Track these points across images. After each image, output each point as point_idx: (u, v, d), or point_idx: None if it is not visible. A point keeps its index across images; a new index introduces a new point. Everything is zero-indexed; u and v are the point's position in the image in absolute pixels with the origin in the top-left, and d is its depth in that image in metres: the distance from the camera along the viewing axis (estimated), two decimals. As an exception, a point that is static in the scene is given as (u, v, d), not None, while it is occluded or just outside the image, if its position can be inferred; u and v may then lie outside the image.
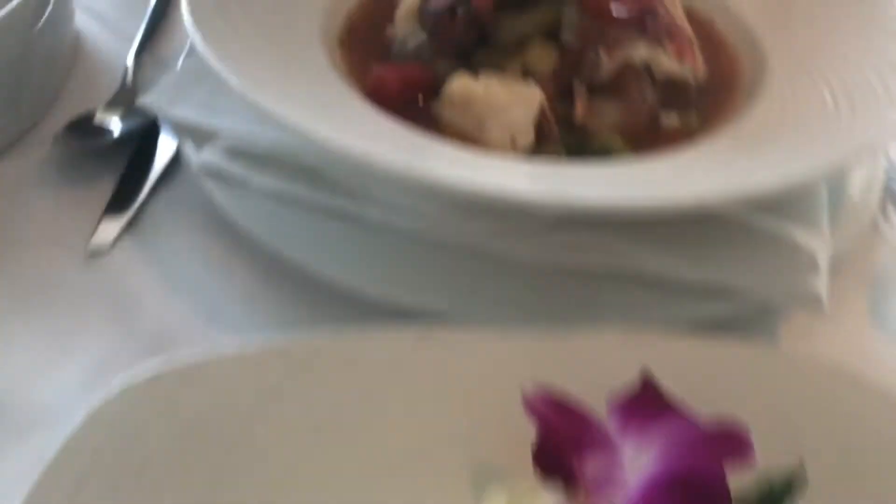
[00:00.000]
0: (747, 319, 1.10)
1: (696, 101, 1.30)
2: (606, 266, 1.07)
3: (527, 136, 1.18)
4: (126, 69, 1.51)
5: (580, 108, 1.21)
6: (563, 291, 1.10)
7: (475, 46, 1.27)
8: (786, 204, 1.07)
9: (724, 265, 1.06)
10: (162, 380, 0.71)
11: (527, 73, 1.23)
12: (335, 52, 1.34)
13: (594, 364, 0.76)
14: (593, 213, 0.98)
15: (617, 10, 1.20)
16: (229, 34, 1.18)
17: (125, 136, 1.34)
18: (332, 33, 1.37)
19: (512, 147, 1.18)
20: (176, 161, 1.32)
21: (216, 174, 1.21)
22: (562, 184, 1.01)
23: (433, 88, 1.26)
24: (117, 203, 1.26)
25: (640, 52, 1.19)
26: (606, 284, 1.09)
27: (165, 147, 1.34)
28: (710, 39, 1.45)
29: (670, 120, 1.27)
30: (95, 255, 1.19)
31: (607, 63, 1.21)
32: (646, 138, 1.24)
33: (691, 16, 1.44)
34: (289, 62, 1.21)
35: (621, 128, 1.24)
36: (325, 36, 1.34)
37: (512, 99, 1.18)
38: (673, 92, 1.27)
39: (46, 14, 1.40)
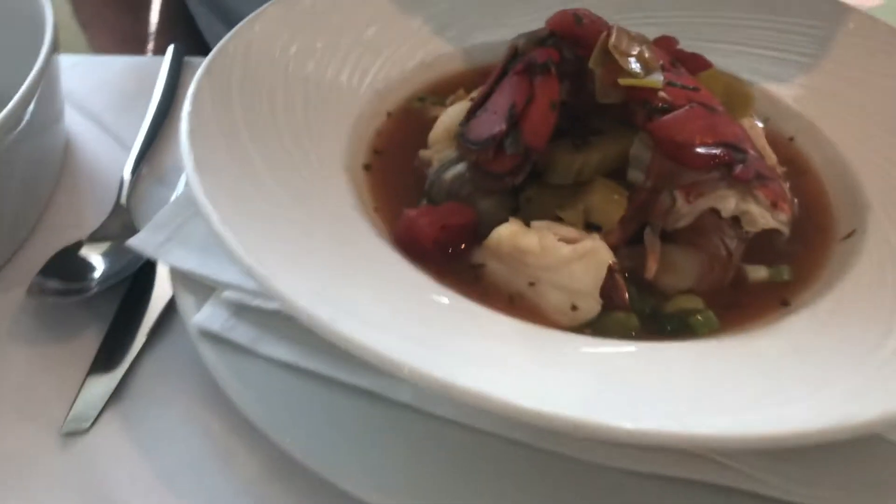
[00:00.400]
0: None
1: (787, 251, 1.10)
2: (702, 477, 0.87)
3: (592, 303, 0.98)
4: (121, 183, 1.33)
5: (652, 262, 1.01)
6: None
7: (525, 184, 1.07)
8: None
9: (843, 486, 0.85)
10: None
11: (590, 221, 1.03)
12: (359, 180, 1.14)
13: None
14: (698, 445, 0.78)
15: (701, 150, 1.00)
16: (233, 177, 0.99)
17: (113, 278, 1.14)
18: (357, 157, 1.18)
19: (572, 316, 0.98)
20: (171, 311, 1.12)
21: (217, 338, 1.01)
22: (643, 404, 0.79)
23: (474, 231, 1.07)
24: (102, 364, 1.07)
25: (729, 202, 0.99)
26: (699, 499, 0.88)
27: (159, 294, 1.14)
28: (793, 164, 1.25)
29: (757, 274, 1.07)
30: (73, 433, 1.00)
31: (685, 210, 1.01)
32: (730, 299, 1.04)
33: (770, 139, 1.25)
34: (303, 203, 1.02)
35: (700, 284, 1.04)
36: (349, 161, 1.15)
37: (574, 257, 0.98)
38: (760, 241, 1.07)
39: (28, 116, 1.16)
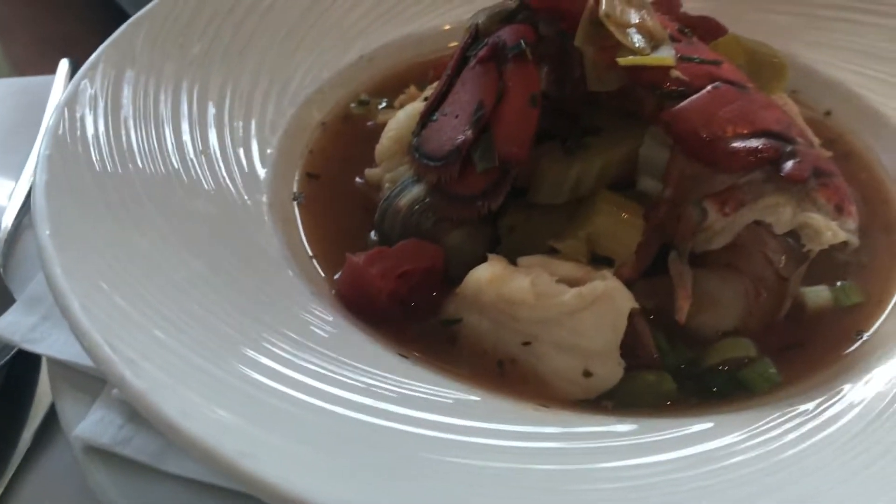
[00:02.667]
0: None
1: (847, 260, 0.85)
2: None
3: (611, 367, 0.73)
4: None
5: (683, 300, 0.75)
6: None
7: (504, 207, 0.81)
8: None
9: None
10: None
11: (597, 253, 0.77)
12: (288, 218, 0.88)
13: None
14: None
15: (737, 144, 0.74)
16: (103, 242, 0.72)
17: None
18: (283, 187, 0.91)
19: (585, 385, 0.72)
20: (52, 421, 0.85)
21: (109, 454, 0.75)
22: None
23: (443, 275, 0.81)
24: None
25: (784, 213, 0.73)
26: None
27: (44, 391, 0.87)
28: (833, 145, 1.00)
29: (818, 297, 0.82)
30: None
31: (721, 225, 0.76)
32: (788, 337, 0.79)
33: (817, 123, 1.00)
34: (197, 268, 0.75)
35: (745, 319, 0.79)
36: (273, 194, 0.89)
37: (581, 304, 0.72)
38: (816, 258, 0.81)
39: None
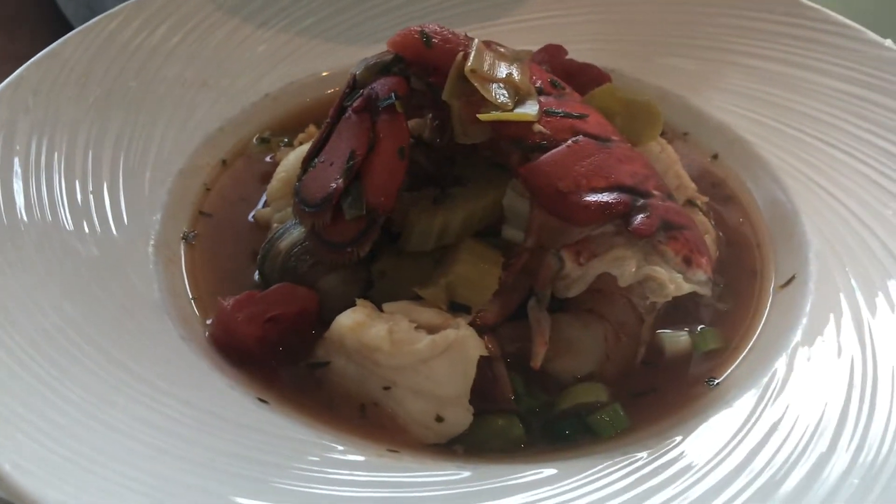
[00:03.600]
0: None
1: (711, 305, 0.89)
2: None
3: (460, 413, 0.76)
4: None
5: (539, 346, 0.78)
6: None
7: (378, 251, 0.84)
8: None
9: None
10: None
11: (455, 301, 0.80)
12: (174, 258, 0.91)
13: None
14: None
15: (588, 199, 0.77)
16: None
17: None
18: (175, 226, 0.94)
19: (437, 429, 0.75)
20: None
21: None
22: None
23: (317, 317, 0.84)
24: None
25: (628, 266, 0.76)
26: None
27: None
28: (718, 188, 1.04)
29: (676, 342, 0.86)
30: None
31: (577, 273, 0.79)
32: (642, 383, 0.82)
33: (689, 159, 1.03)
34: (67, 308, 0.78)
35: (604, 364, 0.82)
36: (163, 232, 0.91)
37: (433, 352, 0.75)
38: (678, 300, 0.84)
39: None
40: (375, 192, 0.81)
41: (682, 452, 0.71)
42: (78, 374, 0.72)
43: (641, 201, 0.79)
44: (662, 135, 1.04)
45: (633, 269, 0.76)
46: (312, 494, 0.65)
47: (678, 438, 0.73)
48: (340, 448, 0.72)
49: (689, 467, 0.69)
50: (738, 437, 0.72)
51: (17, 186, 0.86)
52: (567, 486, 0.67)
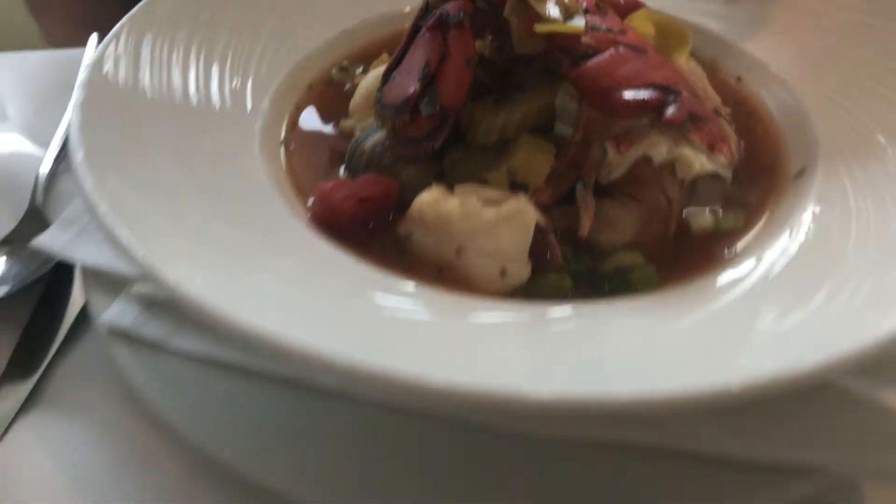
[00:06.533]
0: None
1: (733, 195, 1.03)
2: (658, 444, 0.80)
3: (521, 267, 0.92)
4: (36, 182, 1.25)
5: (586, 220, 0.94)
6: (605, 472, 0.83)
7: (448, 147, 1.00)
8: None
9: (803, 440, 0.79)
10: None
11: (516, 181, 0.96)
12: (276, 159, 1.07)
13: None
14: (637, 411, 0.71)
15: (627, 95, 0.93)
16: (128, 166, 0.92)
17: (26, 281, 1.07)
18: (274, 135, 1.11)
19: (502, 282, 0.91)
20: (86, 316, 1.05)
21: (127, 335, 0.95)
22: (572, 373, 0.72)
23: (398, 202, 1.00)
24: (14, 371, 1.01)
25: (660, 149, 0.92)
26: (664, 465, 0.81)
27: (77, 297, 1.07)
28: (741, 105, 1.18)
29: (702, 221, 1.01)
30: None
31: (617, 161, 0.94)
32: (673, 250, 0.98)
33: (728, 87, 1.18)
34: (207, 189, 0.95)
35: (641, 238, 0.98)
36: (265, 140, 1.08)
37: (498, 220, 0.91)
38: (704, 187, 1.00)
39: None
40: (447, 94, 0.97)
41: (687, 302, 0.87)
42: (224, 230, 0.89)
43: (672, 97, 0.94)
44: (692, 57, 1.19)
45: (665, 151, 0.92)
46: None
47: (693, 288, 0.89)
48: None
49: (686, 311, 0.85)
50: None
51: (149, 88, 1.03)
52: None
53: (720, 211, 1.02)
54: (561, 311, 0.86)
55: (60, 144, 1.33)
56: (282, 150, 1.10)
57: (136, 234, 0.81)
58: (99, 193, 0.85)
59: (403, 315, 0.83)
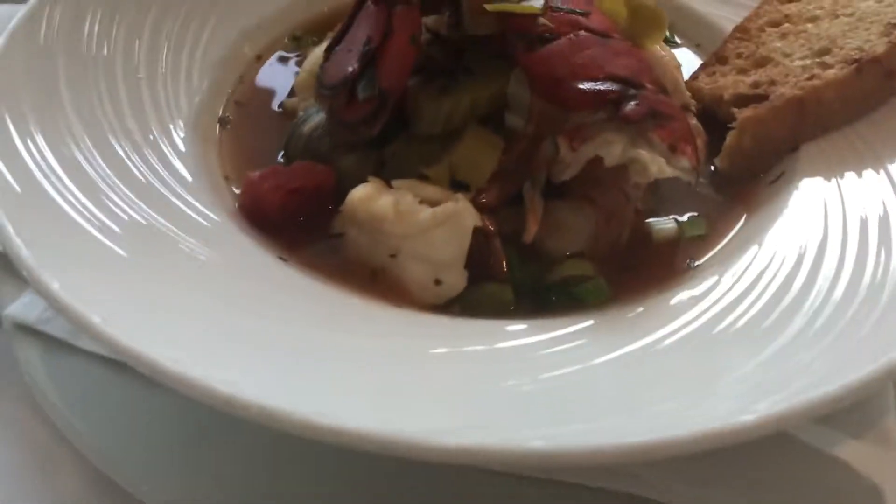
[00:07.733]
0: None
1: (701, 201, 0.94)
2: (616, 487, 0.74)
3: (455, 277, 0.83)
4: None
5: (532, 223, 0.85)
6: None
7: (392, 136, 0.91)
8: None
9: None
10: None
11: (456, 178, 0.87)
12: (210, 139, 0.99)
13: None
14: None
15: (582, 87, 0.83)
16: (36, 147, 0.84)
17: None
18: (211, 111, 1.02)
19: (435, 292, 0.83)
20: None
21: (34, 332, 0.88)
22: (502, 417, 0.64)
23: (334, 194, 0.91)
24: None
25: (614, 149, 0.82)
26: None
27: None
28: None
29: (664, 230, 0.92)
30: None
31: (570, 158, 0.85)
32: (628, 262, 0.89)
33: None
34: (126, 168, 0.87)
35: (593, 246, 0.89)
36: (198, 117, 0.99)
37: (433, 223, 0.83)
38: (668, 189, 0.91)
39: None
40: (387, 75, 0.88)
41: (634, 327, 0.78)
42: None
43: (633, 91, 0.84)
44: (677, 46, 1.09)
45: (619, 152, 0.82)
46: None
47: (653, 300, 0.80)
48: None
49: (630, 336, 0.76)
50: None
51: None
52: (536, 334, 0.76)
53: (685, 217, 0.93)
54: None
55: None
56: (217, 128, 1.01)
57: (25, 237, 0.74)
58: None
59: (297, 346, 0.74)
